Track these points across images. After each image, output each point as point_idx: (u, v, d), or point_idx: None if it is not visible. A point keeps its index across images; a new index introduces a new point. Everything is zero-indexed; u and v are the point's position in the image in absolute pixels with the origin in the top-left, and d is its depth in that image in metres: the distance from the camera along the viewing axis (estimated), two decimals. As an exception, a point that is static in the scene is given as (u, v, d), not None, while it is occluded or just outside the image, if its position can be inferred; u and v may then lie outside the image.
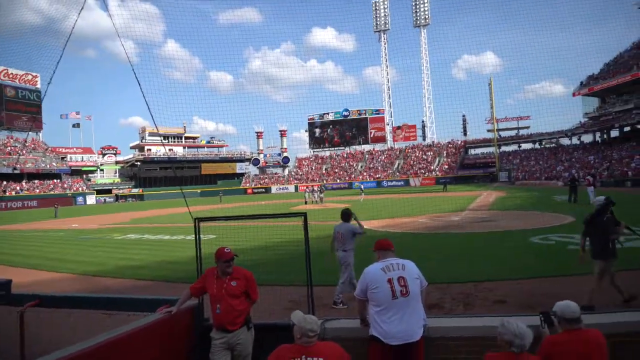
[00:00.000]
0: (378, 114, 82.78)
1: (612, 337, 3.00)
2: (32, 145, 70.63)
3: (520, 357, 2.52)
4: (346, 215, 6.86)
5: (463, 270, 8.30)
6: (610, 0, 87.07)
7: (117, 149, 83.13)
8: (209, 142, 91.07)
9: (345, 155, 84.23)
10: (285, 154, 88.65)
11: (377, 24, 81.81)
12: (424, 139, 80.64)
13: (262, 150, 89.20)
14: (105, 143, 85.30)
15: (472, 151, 75.08)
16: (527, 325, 2.60)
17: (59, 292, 6.99)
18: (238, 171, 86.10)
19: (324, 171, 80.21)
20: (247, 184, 79.92)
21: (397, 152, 79.30)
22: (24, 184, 62.27)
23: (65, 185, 66.97)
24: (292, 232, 11.33)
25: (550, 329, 3.04)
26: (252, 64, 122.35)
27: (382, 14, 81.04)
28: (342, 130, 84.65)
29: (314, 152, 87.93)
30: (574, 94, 60.63)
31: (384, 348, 3.14)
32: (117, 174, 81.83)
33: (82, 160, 77.11)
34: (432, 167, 70.57)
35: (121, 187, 76.26)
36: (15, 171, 59.82)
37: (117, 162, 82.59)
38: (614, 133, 55.62)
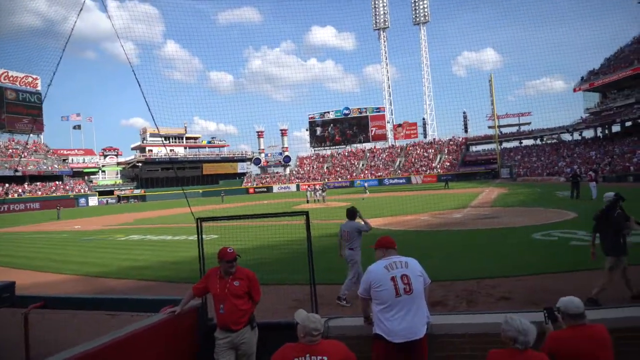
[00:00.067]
0: (379, 112, 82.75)
1: (616, 332, 3.00)
2: (34, 148, 70.72)
3: (525, 354, 2.51)
4: (352, 213, 6.85)
5: (466, 268, 8.29)
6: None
7: (118, 150, 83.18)
8: (210, 142, 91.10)
9: (346, 153, 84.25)
10: (286, 153, 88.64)
11: (376, 21, 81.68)
12: (425, 137, 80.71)
13: (263, 149, 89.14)
14: (106, 144, 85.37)
15: (474, 148, 75.02)
16: (531, 322, 2.59)
17: (63, 294, 7.02)
18: (239, 171, 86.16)
19: (325, 170, 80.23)
20: (249, 184, 79.97)
21: (398, 150, 79.26)
22: (26, 186, 62.38)
23: (67, 187, 67.09)
24: (294, 231, 11.36)
25: (554, 325, 3.02)
26: (252, 63, 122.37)
27: (382, 12, 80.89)
28: (343, 129, 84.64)
29: (315, 150, 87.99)
30: (574, 90, 60.54)
31: (387, 346, 3.14)
32: (119, 175, 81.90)
33: (83, 162, 77.15)
34: (433, 165, 70.55)
35: (123, 188, 76.35)
36: (17, 173, 59.97)
37: (118, 164, 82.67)
38: (616, 128, 55.47)
